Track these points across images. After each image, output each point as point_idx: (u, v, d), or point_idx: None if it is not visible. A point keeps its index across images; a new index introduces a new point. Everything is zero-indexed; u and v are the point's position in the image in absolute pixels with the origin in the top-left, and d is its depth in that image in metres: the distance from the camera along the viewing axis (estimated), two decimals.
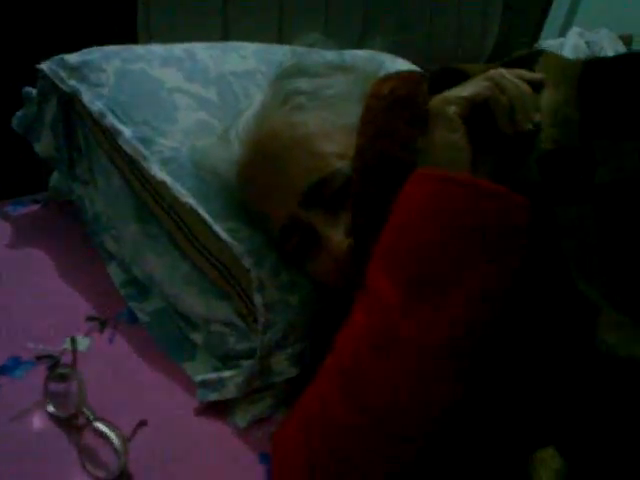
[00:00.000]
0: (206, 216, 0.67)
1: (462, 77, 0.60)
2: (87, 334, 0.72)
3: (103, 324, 0.74)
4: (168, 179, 0.68)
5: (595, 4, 2.28)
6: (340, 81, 0.66)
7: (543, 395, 0.50)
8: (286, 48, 0.96)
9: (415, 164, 0.55)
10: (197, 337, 0.74)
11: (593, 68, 0.55)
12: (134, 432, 0.60)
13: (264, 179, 0.64)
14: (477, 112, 0.55)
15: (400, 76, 0.65)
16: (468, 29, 1.57)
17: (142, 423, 0.62)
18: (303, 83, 0.65)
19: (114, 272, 0.82)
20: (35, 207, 0.95)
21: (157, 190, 0.72)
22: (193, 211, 0.67)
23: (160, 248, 0.75)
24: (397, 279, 0.50)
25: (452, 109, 0.55)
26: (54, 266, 0.82)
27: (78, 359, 0.63)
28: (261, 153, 0.64)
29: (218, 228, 0.67)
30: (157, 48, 0.85)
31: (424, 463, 0.47)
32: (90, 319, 0.74)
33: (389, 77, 0.65)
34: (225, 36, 1.08)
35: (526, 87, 0.55)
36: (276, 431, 0.58)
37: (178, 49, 0.86)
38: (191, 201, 0.67)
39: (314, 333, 0.69)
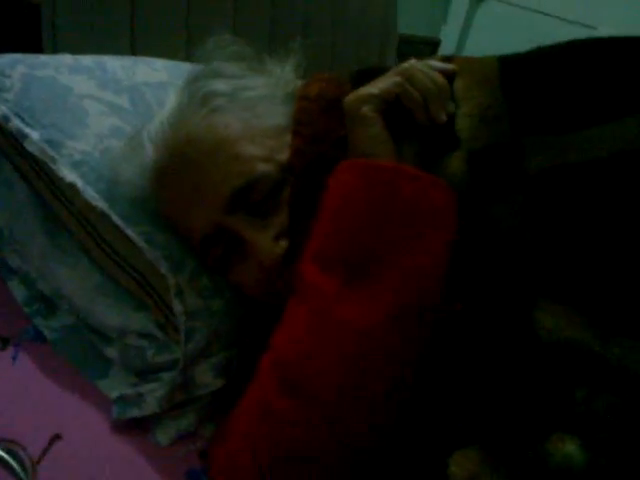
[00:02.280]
0: (118, 220, 0.62)
1: (380, 75, 0.60)
2: None
3: (5, 342, 0.67)
4: (79, 181, 0.63)
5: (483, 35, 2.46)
6: (258, 82, 0.64)
7: (471, 388, 0.49)
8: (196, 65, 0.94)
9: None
10: (111, 352, 0.68)
11: (510, 66, 0.57)
12: (45, 450, 0.54)
13: (183, 186, 0.60)
14: (393, 105, 0.55)
15: (325, 78, 0.64)
16: (367, 42, 1.60)
17: (56, 437, 0.55)
18: (221, 84, 0.63)
19: (16, 289, 0.74)
20: None
21: (66, 195, 0.67)
22: (104, 215, 0.62)
23: (70, 259, 0.69)
24: (330, 267, 0.49)
25: (366, 107, 0.55)
26: None
27: None
28: (179, 158, 0.60)
29: (131, 232, 0.62)
30: (65, 57, 0.80)
31: (370, 446, 0.46)
32: None
33: (314, 80, 0.64)
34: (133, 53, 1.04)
35: (438, 77, 0.56)
36: (212, 446, 0.54)
37: (87, 59, 0.81)
38: (102, 204, 0.62)
39: (240, 341, 0.66)
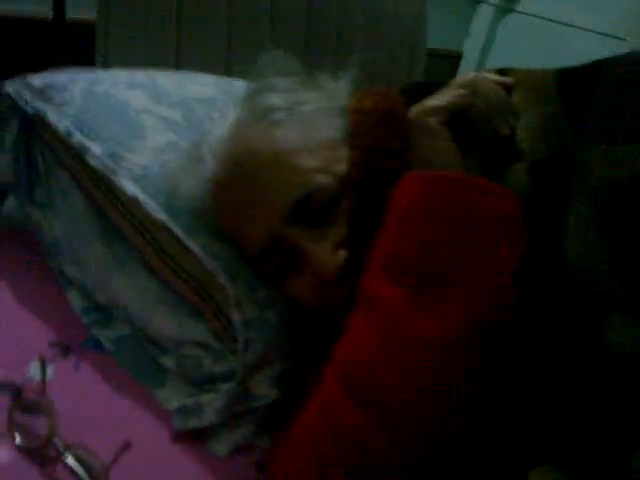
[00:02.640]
0: (179, 231, 0.64)
1: (434, 89, 0.61)
2: (51, 361, 0.66)
3: (67, 350, 0.68)
4: (140, 194, 0.65)
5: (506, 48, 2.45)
6: (312, 97, 0.66)
7: (546, 403, 0.49)
8: (240, 82, 0.96)
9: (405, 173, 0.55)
10: (168, 361, 0.69)
11: (567, 79, 0.57)
12: (117, 455, 0.55)
13: (243, 197, 0.61)
14: (458, 117, 0.55)
15: (378, 92, 0.65)
16: (397, 57, 1.61)
17: (126, 446, 0.56)
18: (277, 99, 0.64)
19: (74, 299, 0.76)
20: None
21: (127, 207, 0.68)
22: (165, 227, 0.64)
23: (128, 269, 0.70)
24: (401, 283, 0.49)
25: (433, 120, 0.55)
26: (11, 295, 0.75)
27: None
28: (239, 170, 0.61)
29: (191, 243, 0.63)
30: (120, 73, 0.83)
31: (439, 462, 0.45)
32: (53, 345, 0.68)
33: (368, 93, 0.65)
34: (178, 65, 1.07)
35: (501, 91, 0.57)
36: (269, 458, 0.54)
37: (140, 74, 0.84)
38: (163, 217, 0.64)
39: (295, 352, 0.66)
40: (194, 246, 0.63)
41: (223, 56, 1.16)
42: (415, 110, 0.58)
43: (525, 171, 0.54)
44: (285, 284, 0.63)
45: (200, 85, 0.89)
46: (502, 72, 0.63)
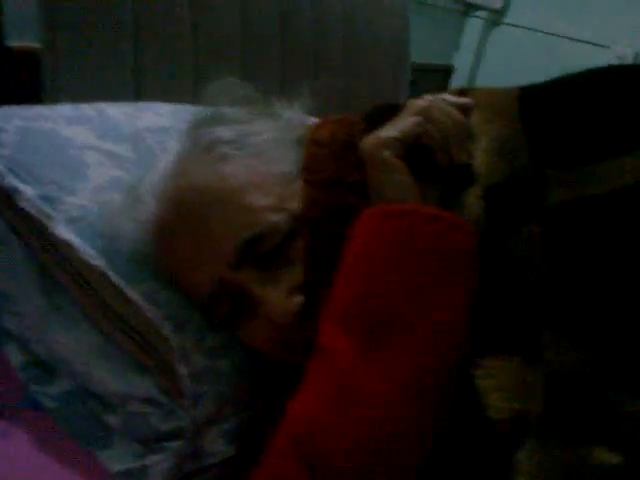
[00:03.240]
0: (117, 279, 0.58)
1: (396, 112, 0.56)
2: None
3: None
4: (74, 239, 0.59)
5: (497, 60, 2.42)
6: (265, 127, 0.60)
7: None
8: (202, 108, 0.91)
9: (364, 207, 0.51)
10: (113, 420, 0.62)
11: (530, 97, 0.53)
12: None
13: (185, 240, 0.56)
14: (412, 146, 0.50)
15: (336, 120, 0.60)
16: (380, 88, 1.57)
17: None
18: (225, 131, 0.59)
19: (12, 353, 0.69)
20: None
21: (63, 255, 0.62)
22: (102, 275, 0.58)
23: (68, 321, 0.64)
24: (350, 331, 0.44)
25: (386, 153, 0.51)
26: None
27: None
28: (181, 210, 0.56)
29: (131, 292, 0.58)
30: (64, 107, 0.77)
31: None
32: None
33: (325, 122, 0.60)
34: (138, 96, 1.01)
35: (456, 114, 0.52)
36: None
37: (87, 108, 0.78)
38: (99, 263, 0.58)
39: (252, 404, 0.60)
40: (134, 295, 0.58)
41: (190, 86, 1.11)
42: (368, 143, 0.53)
43: (480, 195, 0.49)
44: (239, 330, 0.57)
45: (156, 115, 0.84)
46: (462, 93, 0.58)
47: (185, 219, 0.55)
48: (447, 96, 0.55)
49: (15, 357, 0.68)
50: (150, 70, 1.02)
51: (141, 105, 0.87)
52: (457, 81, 2.44)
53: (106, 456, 0.60)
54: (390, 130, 0.52)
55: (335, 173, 0.55)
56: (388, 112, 0.58)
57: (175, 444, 0.57)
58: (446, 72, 2.43)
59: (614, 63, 2.05)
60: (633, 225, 0.43)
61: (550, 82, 0.54)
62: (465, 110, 0.54)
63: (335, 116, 0.64)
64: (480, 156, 0.51)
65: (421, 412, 0.42)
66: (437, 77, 2.31)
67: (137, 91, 1.00)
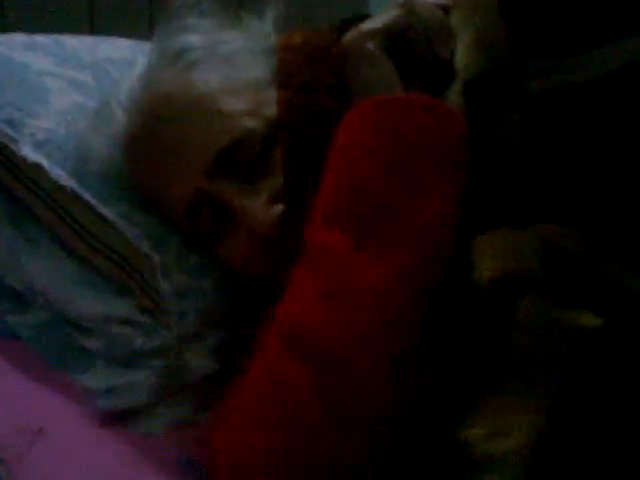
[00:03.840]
0: (91, 200, 0.57)
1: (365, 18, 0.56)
2: None
3: None
4: (44, 161, 0.57)
5: None
6: (235, 36, 0.59)
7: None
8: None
9: (344, 110, 0.50)
10: (94, 343, 0.61)
11: None
12: (29, 445, 0.48)
13: (158, 150, 0.55)
14: (395, 41, 0.50)
15: (307, 29, 0.59)
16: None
17: (39, 432, 0.49)
18: (194, 39, 0.57)
19: None
20: None
21: (32, 179, 0.60)
22: (76, 196, 0.57)
23: (42, 251, 0.63)
24: (340, 224, 0.44)
25: (371, 45, 0.51)
26: None
27: None
28: (153, 120, 0.55)
29: (107, 212, 0.56)
30: (17, 35, 0.74)
31: (395, 415, 0.41)
32: None
33: (296, 31, 0.59)
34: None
35: (439, 12, 0.52)
36: (211, 431, 0.48)
37: (42, 37, 0.75)
38: (72, 184, 0.57)
39: (234, 321, 0.60)
40: (110, 214, 0.56)
41: (145, 23, 1.07)
42: (350, 35, 0.53)
43: (459, 91, 0.50)
44: (219, 247, 0.57)
45: (115, 48, 0.81)
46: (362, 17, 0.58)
47: (157, 130, 0.54)
48: None
49: None
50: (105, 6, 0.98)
51: (99, 38, 0.83)
52: None
53: (87, 379, 0.59)
54: (373, 22, 0.52)
55: (312, 76, 0.54)
56: (363, 20, 0.58)
57: (159, 361, 0.56)
58: None
59: None
60: (616, 108, 0.44)
61: None
62: (444, 10, 0.54)
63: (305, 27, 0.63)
64: (460, 52, 0.51)
65: (415, 297, 0.42)
66: None
67: (91, 28, 0.96)
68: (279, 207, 0.52)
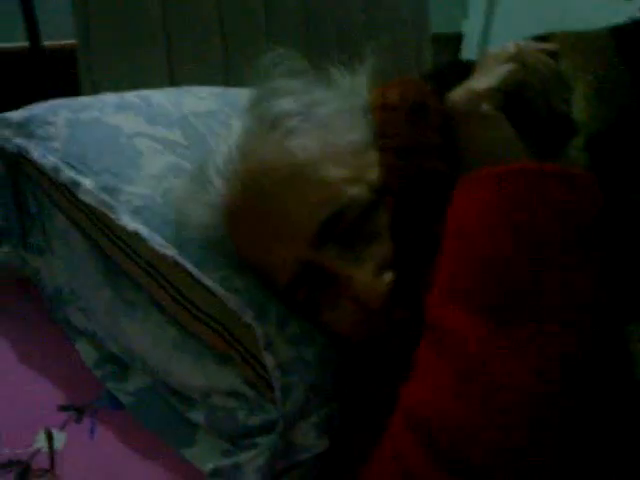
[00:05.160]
0: (192, 267, 0.54)
1: (461, 70, 0.52)
2: (62, 427, 0.58)
3: (80, 413, 0.60)
4: (142, 229, 0.56)
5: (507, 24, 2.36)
6: (329, 97, 0.56)
7: None
8: (242, 90, 0.87)
9: (452, 173, 0.46)
10: (196, 415, 0.59)
11: (627, 34, 0.49)
12: None
13: (260, 222, 0.52)
14: (509, 99, 0.46)
15: (401, 82, 0.56)
16: (404, 61, 1.52)
17: None
18: (288, 103, 0.54)
19: (85, 351, 0.67)
20: None
21: (131, 245, 0.60)
22: (176, 264, 0.55)
23: (140, 314, 0.62)
24: (474, 309, 0.40)
25: (486, 106, 0.46)
26: (14, 355, 0.66)
27: (55, 459, 0.51)
28: (254, 191, 0.52)
29: (208, 280, 0.54)
30: (107, 96, 0.74)
31: None
32: (64, 408, 0.60)
33: (389, 86, 0.56)
34: (170, 75, 0.97)
35: (550, 61, 0.48)
36: None
37: (130, 95, 0.74)
38: (172, 252, 0.55)
39: (340, 393, 0.57)
40: (211, 282, 0.54)
41: (220, 65, 1.07)
42: (461, 95, 0.49)
43: (582, 146, 0.45)
44: (322, 315, 0.54)
45: (198, 99, 0.80)
46: (543, 39, 0.54)
47: (258, 200, 0.52)
48: (531, 43, 0.51)
49: (88, 354, 0.66)
50: (181, 57, 0.98)
51: (180, 90, 0.83)
52: (468, 48, 2.38)
53: (191, 455, 0.57)
54: (485, 80, 0.48)
55: (413, 136, 0.51)
56: (456, 70, 0.54)
57: (266, 439, 0.53)
58: (456, 40, 2.36)
59: (636, 16, 1.97)
60: None
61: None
62: (552, 56, 0.50)
63: (401, 78, 0.59)
64: (578, 103, 0.47)
65: (567, 394, 0.37)
66: (447, 46, 2.25)
67: (171, 77, 0.96)
68: (388, 276, 0.48)
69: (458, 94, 0.49)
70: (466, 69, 0.54)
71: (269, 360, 0.52)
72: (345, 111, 0.55)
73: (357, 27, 1.33)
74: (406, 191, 0.49)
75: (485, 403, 0.37)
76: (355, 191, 0.49)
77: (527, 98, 0.48)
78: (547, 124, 0.48)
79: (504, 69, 0.48)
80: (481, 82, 0.48)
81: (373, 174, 0.51)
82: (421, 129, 0.51)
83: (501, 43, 0.55)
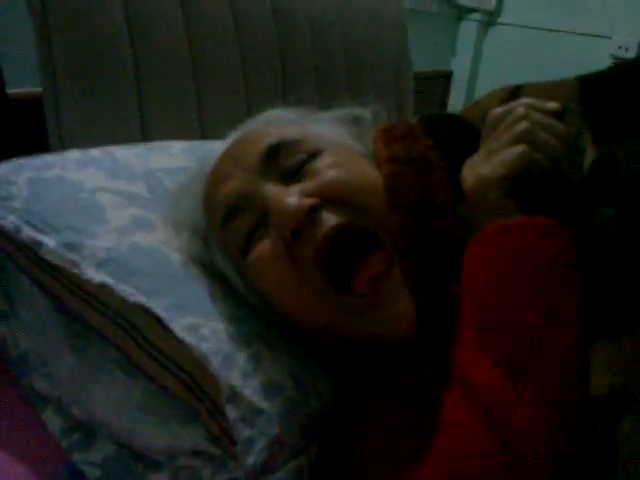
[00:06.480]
0: (160, 313, 0.56)
1: (455, 123, 0.58)
2: None
3: None
4: (109, 280, 0.58)
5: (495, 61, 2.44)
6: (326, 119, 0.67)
7: None
8: (216, 143, 0.90)
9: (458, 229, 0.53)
10: (162, 477, 0.59)
11: (591, 86, 0.54)
12: None
13: (224, 164, 0.62)
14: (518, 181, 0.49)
15: (400, 134, 0.59)
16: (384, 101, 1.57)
17: None
18: (282, 112, 0.69)
19: (51, 419, 0.66)
20: None
21: (98, 298, 0.61)
22: (145, 310, 0.57)
23: (105, 376, 0.62)
24: (495, 359, 0.45)
25: (493, 195, 0.50)
26: None
27: None
28: (227, 149, 0.64)
29: (175, 326, 0.56)
30: (71, 153, 0.77)
31: None
32: None
33: (389, 137, 0.60)
34: (142, 125, 1.00)
35: (560, 128, 0.50)
36: None
37: (95, 151, 0.78)
38: (141, 298, 0.57)
39: (306, 447, 0.57)
40: (179, 329, 0.56)
41: (194, 111, 1.10)
42: (471, 183, 0.51)
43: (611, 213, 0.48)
44: (250, 254, 0.58)
45: (168, 155, 0.83)
46: (517, 89, 0.57)
47: (229, 152, 0.63)
48: (538, 103, 0.51)
49: (54, 423, 0.66)
50: (154, 103, 1.01)
51: (150, 145, 0.86)
52: (457, 85, 2.45)
53: None
54: (493, 167, 0.50)
55: (423, 193, 0.54)
56: (451, 124, 0.59)
57: None
58: (445, 77, 2.43)
59: (617, 54, 2.05)
60: None
61: (609, 69, 0.55)
62: (558, 117, 0.51)
63: (396, 125, 0.62)
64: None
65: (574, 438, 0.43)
66: (436, 83, 2.31)
67: (143, 126, 0.99)
68: (311, 201, 0.53)
69: (469, 178, 0.52)
70: (457, 122, 0.57)
71: (231, 413, 0.53)
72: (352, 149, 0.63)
73: (338, 73, 1.37)
74: (419, 250, 0.53)
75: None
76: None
77: (537, 175, 0.49)
78: (562, 194, 0.50)
79: (514, 155, 0.49)
80: (489, 169, 0.50)
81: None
82: (430, 187, 0.54)
83: (489, 80, 0.58)
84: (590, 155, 0.49)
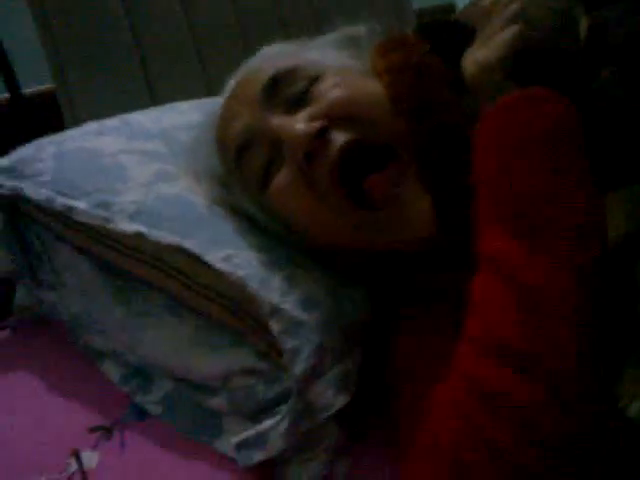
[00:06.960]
0: (195, 249, 0.60)
1: (454, 27, 0.58)
2: (94, 447, 0.63)
3: (109, 431, 0.65)
4: (142, 228, 0.62)
5: None
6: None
7: None
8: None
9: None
10: (218, 402, 0.64)
11: None
12: None
13: (230, 103, 0.66)
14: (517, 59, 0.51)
15: (400, 43, 0.61)
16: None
17: None
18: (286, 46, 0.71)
19: (110, 370, 0.73)
20: (2, 334, 0.85)
21: (136, 248, 0.66)
22: (181, 250, 0.61)
23: (154, 322, 0.68)
24: (518, 234, 0.46)
25: (494, 77, 0.51)
26: (41, 385, 0.73)
27: (89, 478, 0.56)
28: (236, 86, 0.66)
29: (211, 258, 0.60)
30: (89, 125, 0.82)
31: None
32: (93, 430, 0.65)
33: (384, 50, 0.61)
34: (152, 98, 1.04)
35: (551, 1, 0.51)
36: None
37: (110, 121, 0.83)
38: (175, 239, 0.61)
39: (350, 351, 0.61)
40: (216, 261, 0.60)
41: (199, 79, 1.13)
42: (472, 69, 0.53)
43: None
44: (269, 187, 0.60)
45: (178, 113, 0.88)
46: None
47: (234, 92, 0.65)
48: None
49: (113, 372, 0.72)
50: (159, 75, 1.04)
51: (161, 108, 0.91)
52: None
53: (221, 444, 0.61)
54: (490, 51, 0.51)
55: (425, 96, 0.55)
56: (446, 27, 0.59)
57: (285, 406, 0.57)
58: (450, 11, 2.39)
59: None
60: None
61: None
62: None
63: (394, 37, 0.64)
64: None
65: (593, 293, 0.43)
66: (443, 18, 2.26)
67: (152, 99, 1.03)
68: (316, 124, 0.55)
69: (468, 64, 0.53)
70: (457, 26, 0.58)
71: (274, 327, 0.56)
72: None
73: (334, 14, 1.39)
74: (434, 148, 0.54)
75: (540, 319, 0.43)
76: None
77: (535, 52, 0.51)
78: (562, 65, 0.51)
79: (509, 35, 0.50)
80: (485, 53, 0.52)
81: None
82: (431, 88, 0.56)
83: None
84: (584, 24, 0.50)
